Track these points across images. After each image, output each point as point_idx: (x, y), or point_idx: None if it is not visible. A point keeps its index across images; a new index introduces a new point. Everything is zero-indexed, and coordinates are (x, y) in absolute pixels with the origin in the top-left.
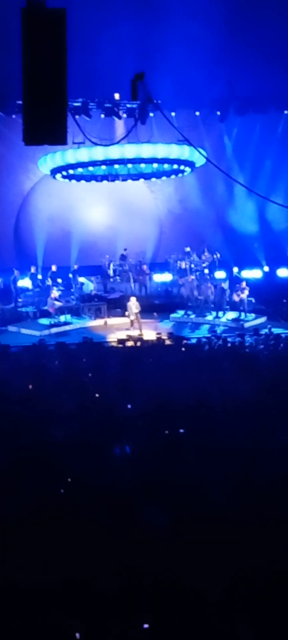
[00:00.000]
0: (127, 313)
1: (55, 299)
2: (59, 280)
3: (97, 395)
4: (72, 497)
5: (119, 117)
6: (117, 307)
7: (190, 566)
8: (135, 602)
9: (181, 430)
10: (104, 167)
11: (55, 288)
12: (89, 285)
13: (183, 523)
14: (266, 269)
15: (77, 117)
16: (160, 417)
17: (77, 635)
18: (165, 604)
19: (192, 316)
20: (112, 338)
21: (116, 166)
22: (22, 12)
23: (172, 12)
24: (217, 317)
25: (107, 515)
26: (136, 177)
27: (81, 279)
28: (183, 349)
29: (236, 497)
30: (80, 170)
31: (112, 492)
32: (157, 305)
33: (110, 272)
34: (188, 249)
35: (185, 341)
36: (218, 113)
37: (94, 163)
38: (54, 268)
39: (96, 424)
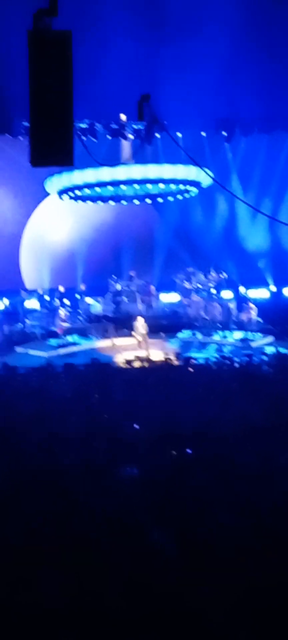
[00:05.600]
0: (134, 333)
1: (63, 320)
2: (66, 301)
3: (105, 416)
4: (78, 520)
5: (126, 138)
6: (125, 327)
7: (197, 590)
8: (141, 625)
9: (188, 451)
10: (110, 188)
11: (62, 309)
12: (96, 305)
13: (190, 546)
14: (273, 288)
15: (83, 138)
16: (167, 438)
17: None
18: (172, 627)
19: (199, 336)
20: (120, 359)
21: (122, 187)
22: (28, 35)
23: (178, 33)
24: (224, 336)
25: (113, 538)
26: (142, 197)
27: (88, 300)
28: (190, 369)
29: (244, 521)
30: (86, 191)
31: (119, 515)
32: (164, 325)
33: (118, 288)
34: (191, 269)
35: (192, 361)
36: (224, 133)
37: (100, 184)
38: (61, 289)
39: (103, 445)
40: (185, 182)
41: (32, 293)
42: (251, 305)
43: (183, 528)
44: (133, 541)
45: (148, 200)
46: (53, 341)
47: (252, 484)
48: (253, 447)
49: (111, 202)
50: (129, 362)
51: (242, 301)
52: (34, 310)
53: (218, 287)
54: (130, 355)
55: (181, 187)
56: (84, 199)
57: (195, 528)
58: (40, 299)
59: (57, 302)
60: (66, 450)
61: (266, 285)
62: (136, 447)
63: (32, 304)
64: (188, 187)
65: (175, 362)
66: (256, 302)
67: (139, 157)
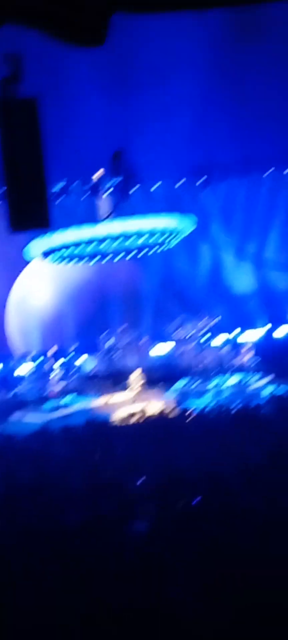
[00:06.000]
0: (130, 388)
1: (56, 382)
2: (58, 363)
3: (107, 474)
4: (89, 581)
5: (102, 195)
6: (120, 383)
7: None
8: None
9: (195, 501)
10: (92, 245)
11: (55, 371)
12: (89, 364)
13: (206, 596)
14: (267, 328)
15: (60, 198)
16: (172, 490)
17: None
18: None
19: (196, 384)
20: (117, 415)
21: (104, 243)
22: None
23: (147, 85)
24: (220, 382)
25: (126, 596)
26: (125, 252)
27: (81, 359)
28: (189, 418)
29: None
30: (69, 251)
31: (128, 571)
32: (159, 377)
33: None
34: (181, 318)
35: (190, 410)
36: (201, 180)
37: (82, 243)
38: (52, 351)
39: (108, 504)
40: (166, 232)
41: (22, 358)
42: (245, 348)
43: (197, 578)
44: (141, 596)
45: (131, 254)
46: (48, 404)
47: (256, 527)
48: (257, 492)
49: (95, 260)
50: (126, 417)
51: (235, 345)
52: (26, 375)
53: (211, 333)
54: (127, 410)
55: (163, 237)
56: (67, 259)
57: (210, 576)
58: (32, 363)
59: (49, 364)
60: (71, 511)
61: (259, 326)
62: (141, 502)
63: (23, 369)
64: (169, 237)
65: (174, 413)
66: (250, 345)
67: (117, 212)
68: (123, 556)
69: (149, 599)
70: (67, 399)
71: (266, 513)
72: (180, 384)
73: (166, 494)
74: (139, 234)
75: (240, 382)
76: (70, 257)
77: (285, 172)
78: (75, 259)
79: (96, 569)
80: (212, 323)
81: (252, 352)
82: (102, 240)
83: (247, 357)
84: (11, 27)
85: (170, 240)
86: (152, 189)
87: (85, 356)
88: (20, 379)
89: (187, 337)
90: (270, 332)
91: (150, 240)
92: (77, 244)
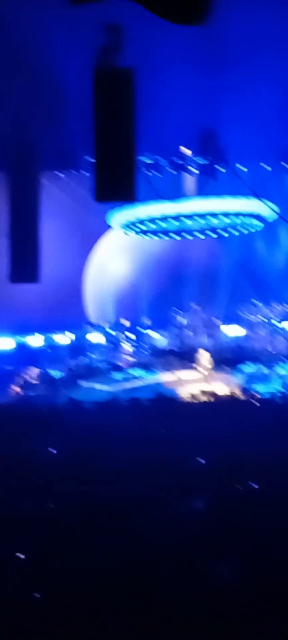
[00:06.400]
0: (199, 367)
1: (128, 354)
2: (131, 336)
3: (171, 450)
4: (142, 556)
5: (190, 173)
6: (190, 361)
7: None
8: None
9: (255, 486)
10: (176, 222)
11: (127, 343)
12: (160, 339)
13: (253, 583)
14: None
15: (149, 173)
16: (234, 473)
17: None
18: None
19: (265, 370)
20: (185, 393)
21: (188, 221)
22: (94, 73)
23: (242, 63)
24: None
25: (175, 573)
26: (208, 231)
27: (153, 334)
28: (257, 403)
29: None
30: (151, 225)
31: (182, 549)
32: (229, 358)
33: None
34: (256, 302)
35: (258, 396)
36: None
37: (164, 218)
38: (126, 323)
39: (169, 480)
40: (249, 215)
41: (96, 327)
42: None
43: (247, 564)
44: (196, 577)
45: (213, 235)
46: (118, 375)
47: None
48: None
49: (174, 236)
50: (194, 396)
51: None
52: (98, 344)
53: (283, 320)
54: (195, 389)
55: (245, 220)
56: (147, 232)
57: (260, 565)
58: (105, 332)
59: (121, 335)
60: (133, 484)
61: None
62: (202, 481)
63: (96, 337)
64: (252, 221)
65: (241, 396)
66: None
67: (203, 191)
68: (177, 532)
69: (198, 578)
70: (137, 371)
71: None
72: (249, 367)
73: (227, 477)
74: (222, 215)
75: None
76: (151, 231)
77: None
78: (155, 234)
79: (148, 541)
80: (285, 309)
81: None
82: (184, 217)
83: None
84: None
85: (253, 225)
86: (240, 171)
87: (157, 331)
88: (93, 347)
89: (260, 322)
90: None
91: (234, 222)
92: (159, 219)
